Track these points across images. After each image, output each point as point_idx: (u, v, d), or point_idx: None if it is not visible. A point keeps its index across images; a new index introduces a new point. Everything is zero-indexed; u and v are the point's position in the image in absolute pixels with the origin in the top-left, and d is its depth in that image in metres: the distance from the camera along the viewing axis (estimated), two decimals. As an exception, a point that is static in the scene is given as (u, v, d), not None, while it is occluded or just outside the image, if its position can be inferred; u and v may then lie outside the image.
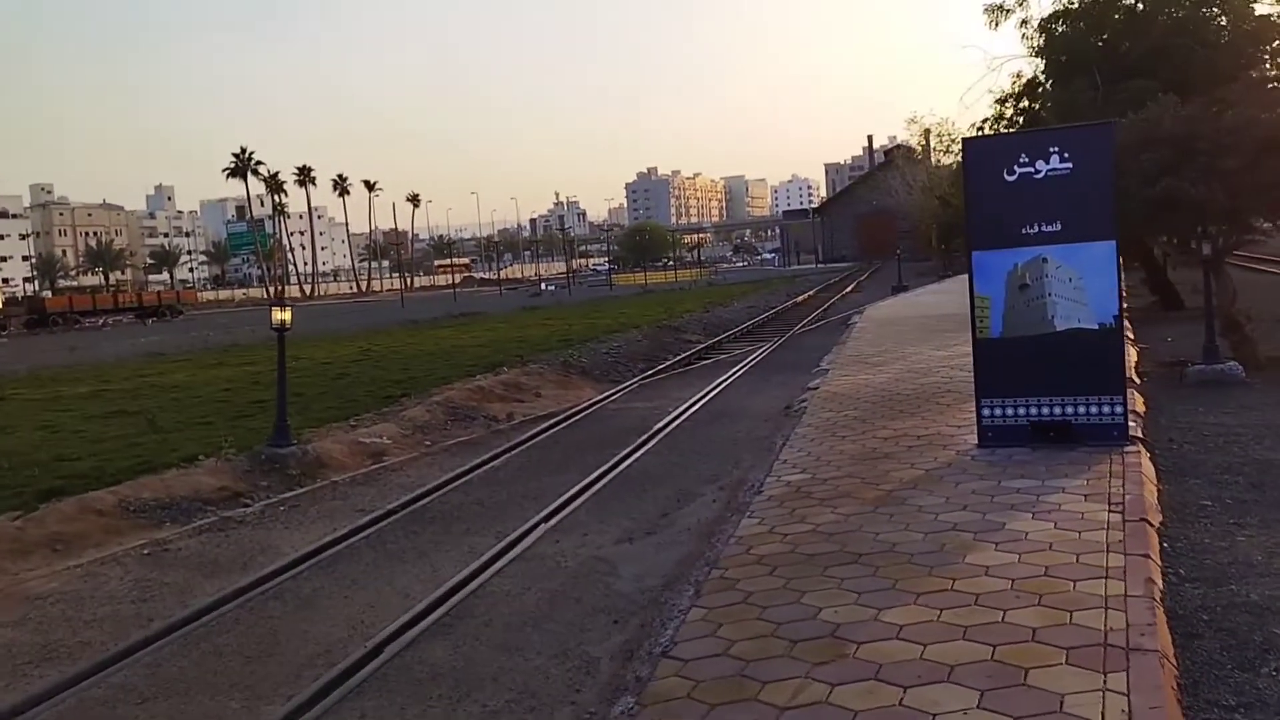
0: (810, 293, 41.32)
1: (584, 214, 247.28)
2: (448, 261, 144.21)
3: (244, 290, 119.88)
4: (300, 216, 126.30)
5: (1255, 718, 4.04)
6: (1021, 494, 7.13)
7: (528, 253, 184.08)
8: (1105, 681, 4.16)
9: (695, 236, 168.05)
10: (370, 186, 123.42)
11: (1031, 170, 8.53)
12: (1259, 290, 19.31)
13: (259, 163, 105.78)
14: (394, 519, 8.84)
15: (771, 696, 4.38)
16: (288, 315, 11.10)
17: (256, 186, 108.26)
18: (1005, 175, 8.62)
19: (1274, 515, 6.60)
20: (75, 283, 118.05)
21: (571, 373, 17.65)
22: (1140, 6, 20.18)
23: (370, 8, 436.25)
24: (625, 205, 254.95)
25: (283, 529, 8.79)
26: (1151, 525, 6.29)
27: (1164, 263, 20.89)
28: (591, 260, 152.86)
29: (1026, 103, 22.22)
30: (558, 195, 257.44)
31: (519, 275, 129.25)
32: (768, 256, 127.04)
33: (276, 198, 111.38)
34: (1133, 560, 5.57)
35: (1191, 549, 6.03)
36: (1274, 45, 18.59)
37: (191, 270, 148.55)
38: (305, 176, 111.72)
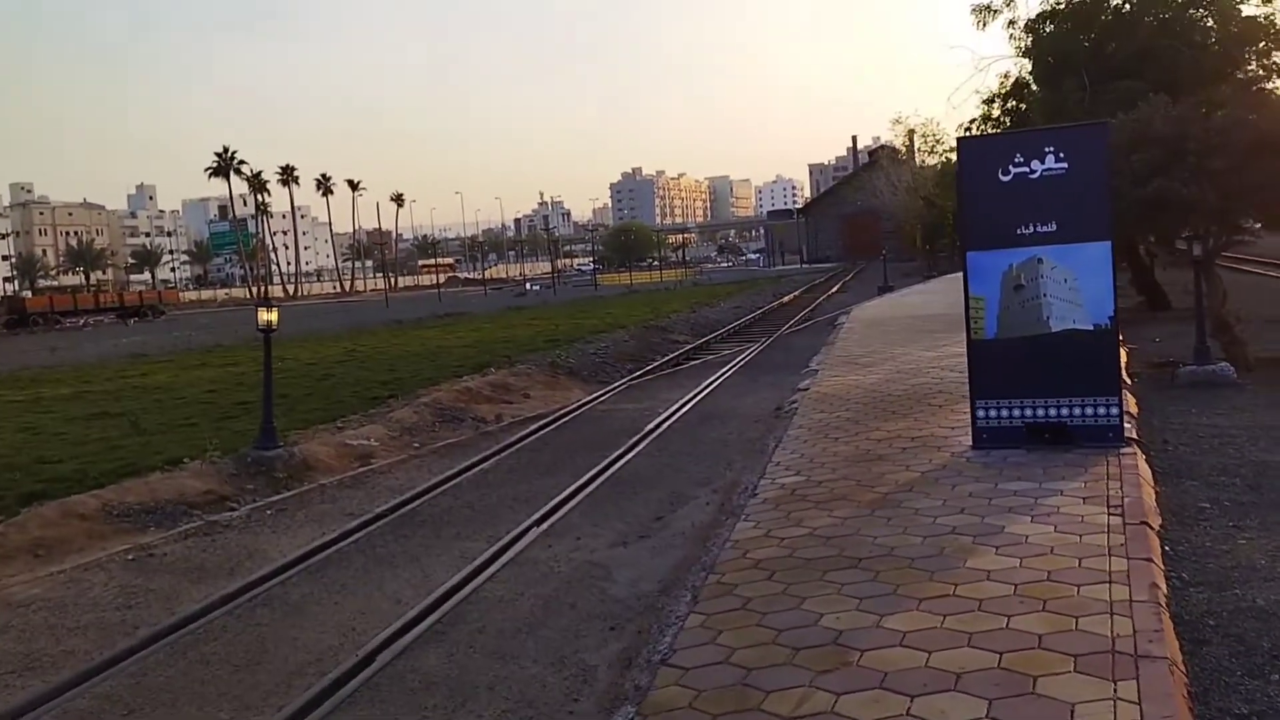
0: (796, 293, 41.30)
1: (569, 214, 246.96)
2: (432, 261, 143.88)
3: (226, 290, 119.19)
4: (283, 216, 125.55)
5: (1269, 727, 3.98)
6: (1019, 496, 7.07)
7: (512, 253, 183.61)
8: (1116, 690, 4.09)
9: (680, 236, 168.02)
10: (354, 186, 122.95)
11: (1027, 170, 8.48)
12: (1244, 291, 19.35)
13: (242, 162, 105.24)
14: (383, 523, 8.71)
15: (775, 707, 4.30)
16: (274, 316, 10.95)
17: (239, 186, 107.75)
18: (1000, 175, 8.56)
19: (1273, 518, 6.56)
20: (56, 283, 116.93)
21: (559, 373, 17.54)
22: (1127, 7, 20.23)
23: (354, 7, 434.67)
24: (610, 205, 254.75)
25: (270, 533, 8.65)
26: (1152, 528, 6.24)
27: (1150, 263, 20.93)
28: (576, 260, 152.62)
29: (1014, 103, 22.26)
30: (542, 195, 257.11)
31: (503, 275, 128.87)
32: (752, 257, 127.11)
33: (259, 197, 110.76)
34: (1135, 564, 5.50)
35: (1193, 552, 5.97)
36: (1260, 46, 18.63)
37: (173, 270, 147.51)
38: (288, 176, 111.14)
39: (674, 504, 8.68)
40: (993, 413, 8.72)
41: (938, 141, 58.05)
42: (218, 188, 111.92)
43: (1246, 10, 18.70)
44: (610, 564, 7.15)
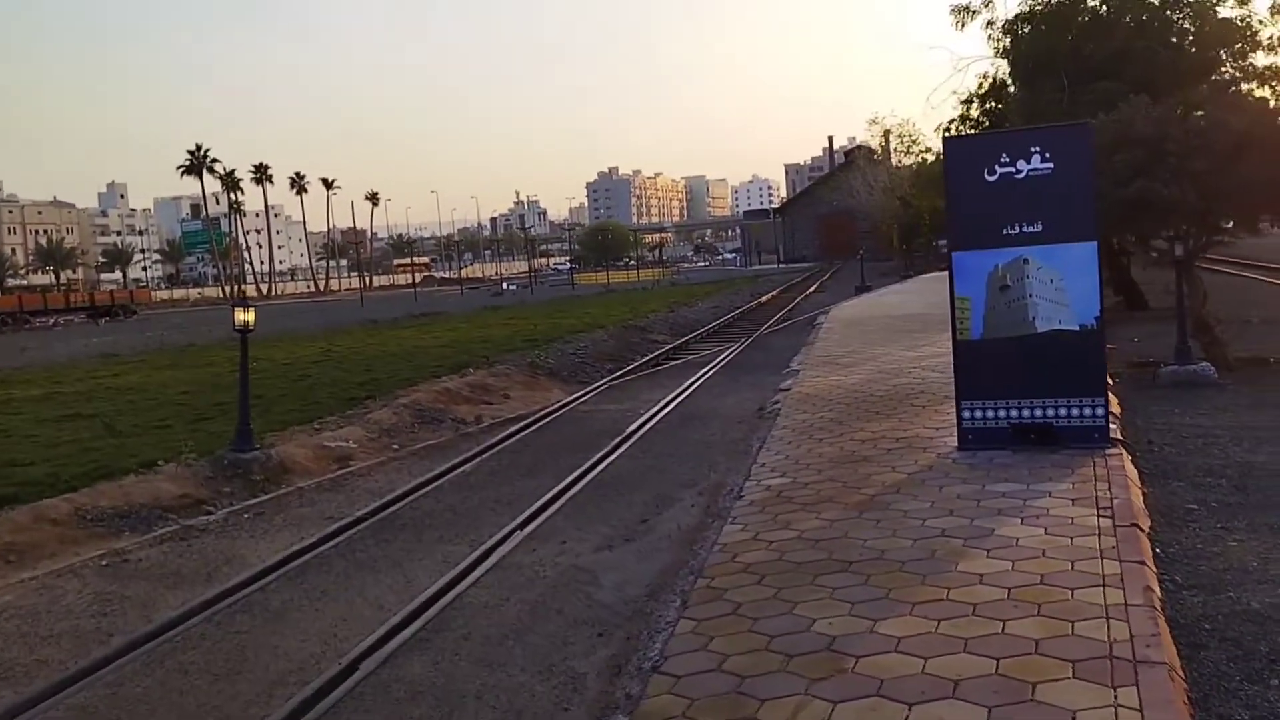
0: (774, 293, 41.33)
1: (545, 213, 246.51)
2: (407, 261, 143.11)
3: (199, 290, 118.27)
4: (257, 215, 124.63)
5: (1269, 732, 3.94)
6: (1007, 498, 7.03)
7: (488, 252, 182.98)
8: (1116, 696, 4.04)
9: (656, 236, 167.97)
10: (328, 185, 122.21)
11: (1012, 170, 8.45)
12: (1216, 291, 19.47)
13: (215, 160, 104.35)
14: (364, 526, 8.57)
15: (771, 715, 4.22)
16: (251, 316, 10.77)
17: (212, 184, 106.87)
18: (986, 175, 8.53)
19: (1261, 519, 6.55)
20: (25, 282, 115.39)
21: (539, 374, 17.42)
22: (1104, 9, 20.28)
23: (330, 6, 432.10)
24: (586, 204, 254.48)
25: (248, 538, 8.49)
26: (1142, 530, 6.21)
27: (1127, 263, 21.02)
28: (552, 259, 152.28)
29: (992, 104, 22.28)
30: (518, 194, 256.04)
31: (480, 274, 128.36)
32: (729, 256, 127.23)
33: (232, 195, 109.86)
34: (1128, 567, 5.46)
35: (1184, 554, 5.95)
36: (1235, 47, 18.73)
37: (145, 269, 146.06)
38: (262, 174, 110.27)
39: (659, 506, 8.58)
40: (978, 413, 8.69)
41: (913, 142, 58.26)
42: (190, 186, 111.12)
43: (1223, 12, 18.80)
44: (596, 568, 7.05)
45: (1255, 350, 13.23)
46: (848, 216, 77.95)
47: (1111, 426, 8.58)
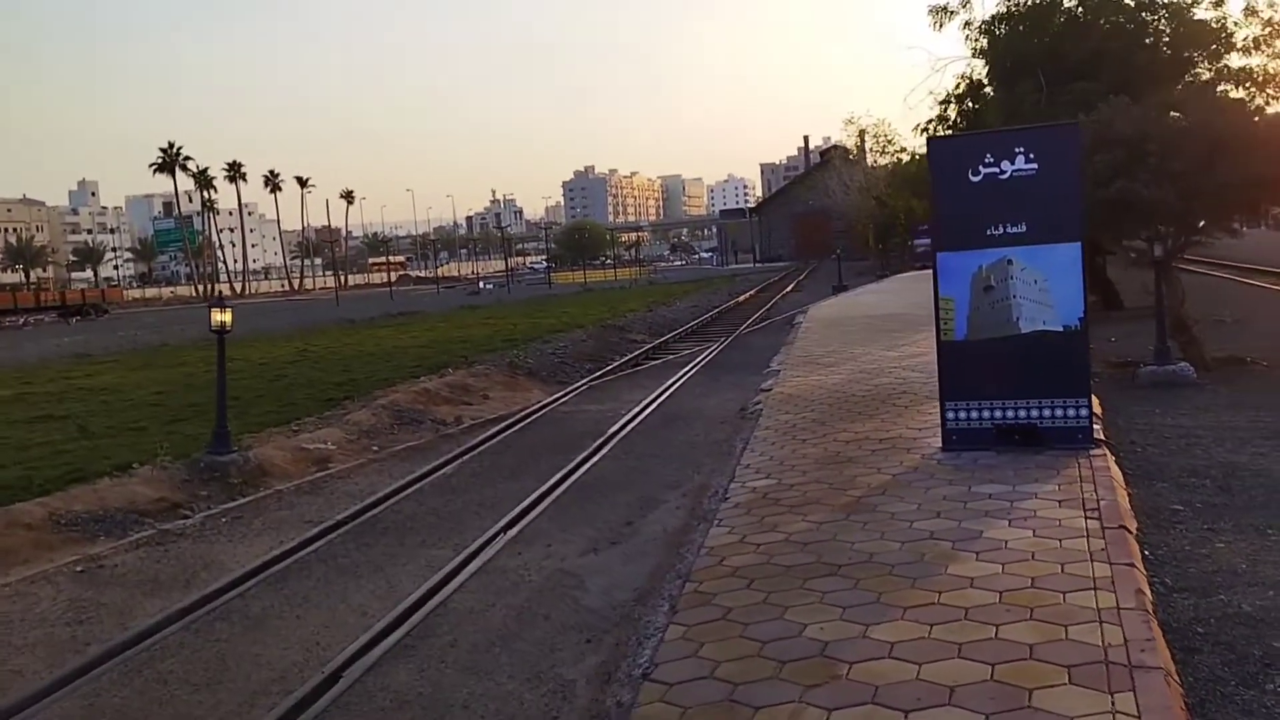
0: (751, 292, 41.37)
1: (521, 212, 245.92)
2: (382, 259, 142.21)
3: (172, 289, 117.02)
4: (230, 213, 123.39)
5: (1267, 738, 3.92)
6: (994, 500, 7.02)
7: (464, 251, 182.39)
8: (1113, 703, 4.01)
9: (633, 235, 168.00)
10: (303, 183, 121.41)
11: (997, 171, 8.45)
12: (1189, 291, 19.58)
13: (187, 158, 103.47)
14: (344, 530, 8.45)
15: (766, 724, 4.16)
16: (228, 317, 10.62)
17: (185, 183, 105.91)
18: (970, 175, 8.52)
19: (1247, 520, 6.56)
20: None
21: (519, 374, 17.31)
22: (1080, 10, 20.38)
23: (303, 4, 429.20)
24: (562, 203, 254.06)
25: (226, 542, 8.36)
26: (1130, 532, 6.20)
27: (1104, 263, 21.15)
28: (529, 258, 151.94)
29: (969, 104, 22.35)
30: (494, 193, 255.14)
31: (456, 273, 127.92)
32: (705, 256, 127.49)
33: (205, 194, 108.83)
34: (1119, 570, 5.45)
35: (1173, 556, 5.95)
36: (1211, 49, 18.87)
37: (117, 268, 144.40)
38: (236, 172, 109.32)
39: (643, 509, 8.52)
40: (962, 414, 8.68)
41: (889, 142, 58.47)
42: (162, 184, 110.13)
43: (1198, 14, 18.93)
44: (582, 572, 6.97)
45: (1230, 350, 13.32)
46: (823, 216, 78.29)
47: (1094, 427, 8.59)
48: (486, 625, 6.08)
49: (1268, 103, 17.83)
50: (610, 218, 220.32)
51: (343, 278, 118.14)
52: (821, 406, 11.38)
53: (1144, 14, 19.74)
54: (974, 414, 8.64)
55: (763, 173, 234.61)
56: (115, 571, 7.64)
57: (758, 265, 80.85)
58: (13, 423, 13.85)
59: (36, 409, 15.33)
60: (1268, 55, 18.43)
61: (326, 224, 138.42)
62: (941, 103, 23.02)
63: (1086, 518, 6.43)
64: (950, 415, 8.71)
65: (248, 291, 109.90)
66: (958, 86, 22.60)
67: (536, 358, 18.98)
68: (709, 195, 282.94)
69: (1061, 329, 8.36)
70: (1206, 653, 4.61)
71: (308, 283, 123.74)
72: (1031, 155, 8.36)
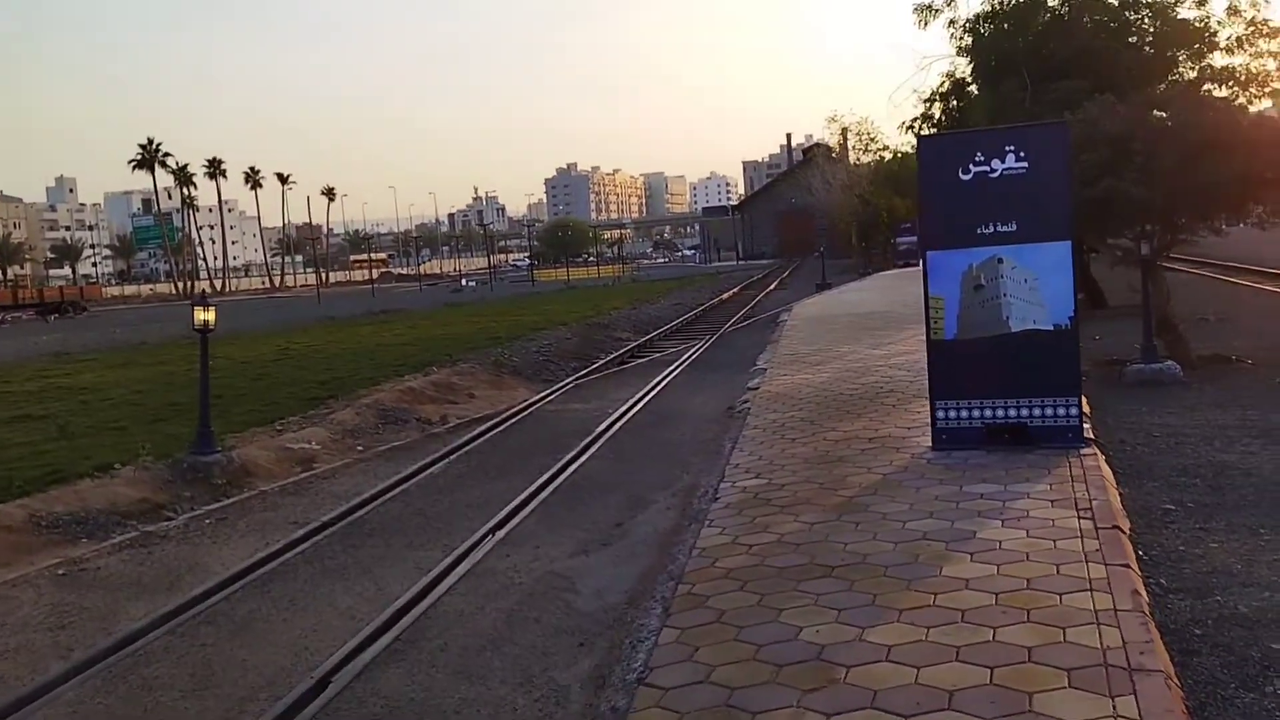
0: (735, 290, 41.36)
1: (503, 209, 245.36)
2: (364, 256, 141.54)
3: (151, 286, 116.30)
4: (210, 210, 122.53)
5: (1268, 741, 3.90)
6: (986, 500, 6.99)
7: (446, 248, 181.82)
8: (1114, 707, 3.97)
9: (616, 233, 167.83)
10: (284, 180, 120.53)
11: (987, 169, 8.43)
12: (1172, 289, 19.69)
13: (167, 154, 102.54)
14: (330, 532, 8.35)
15: (764, 729, 4.11)
16: (212, 315, 10.49)
17: (164, 179, 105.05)
18: (960, 174, 8.50)
19: (1238, 519, 6.56)
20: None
21: (504, 372, 17.22)
22: (1064, 9, 20.43)
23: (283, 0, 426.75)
24: (545, 201, 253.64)
25: (210, 544, 8.25)
26: (1123, 532, 6.19)
27: (1087, 261, 21.21)
28: (511, 255, 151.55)
29: (954, 102, 22.38)
30: (476, 190, 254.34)
31: (438, 271, 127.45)
32: (688, 253, 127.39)
33: (185, 190, 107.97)
34: (1114, 571, 5.42)
35: (1167, 557, 5.93)
36: (1194, 48, 18.95)
37: (95, 265, 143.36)
38: (215, 169, 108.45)
39: (633, 509, 8.46)
40: (952, 413, 8.66)
41: (872, 140, 58.70)
42: (141, 180, 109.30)
43: (1181, 13, 19.00)
44: (572, 574, 6.90)
45: (1215, 348, 13.35)
46: (806, 214, 78.39)
47: (1084, 426, 8.58)
48: (477, 628, 6.01)
49: (1250, 102, 17.94)
50: (593, 215, 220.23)
51: (324, 275, 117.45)
52: (809, 405, 11.35)
53: (1127, 13, 19.81)
54: (964, 413, 8.62)
55: (745, 170, 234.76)
56: (98, 574, 7.53)
57: (741, 263, 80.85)
58: (-9, 423, 13.66)
59: (15, 408, 15.14)
60: (1250, 55, 18.54)
61: (308, 221, 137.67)
62: (926, 101, 23.06)
63: (1079, 518, 6.41)
64: (940, 414, 8.68)
65: (228, 289, 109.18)
66: (942, 85, 22.64)
67: (521, 356, 18.89)
68: (692, 193, 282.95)
69: (1051, 328, 8.35)
70: (1205, 655, 4.59)
71: (289, 280, 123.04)
72: (1022, 154, 8.34)
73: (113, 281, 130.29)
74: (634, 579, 6.61)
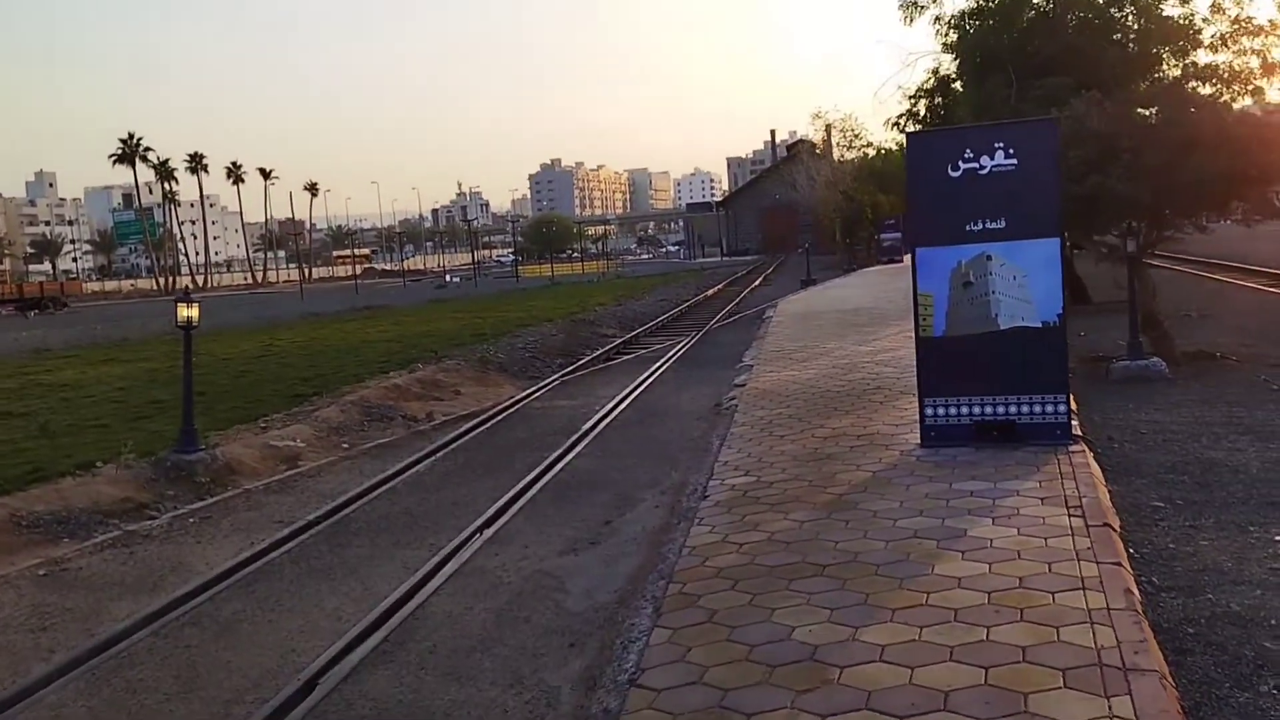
0: (719, 286, 41.30)
1: (487, 205, 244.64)
2: (347, 252, 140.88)
3: (132, 281, 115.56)
4: (192, 205, 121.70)
5: (1264, 741, 3.89)
6: (976, 497, 6.98)
7: (430, 244, 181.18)
8: (1110, 707, 3.96)
9: (600, 229, 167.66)
10: (266, 175, 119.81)
11: (976, 166, 8.41)
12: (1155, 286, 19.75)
13: (148, 149, 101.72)
14: (316, 531, 8.27)
15: (759, 731, 4.07)
16: (195, 312, 10.38)
17: (145, 174, 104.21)
18: (949, 171, 8.48)
19: (1228, 516, 6.56)
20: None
21: (490, 369, 17.14)
22: (1049, 6, 20.46)
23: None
24: (529, 196, 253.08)
25: (194, 543, 8.16)
26: (1114, 530, 6.18)
27: (1071, 257, 21.27)
28: (495, 251, 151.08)
29: (940, 99, 22.39)
30: (460, 185, 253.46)
31: (422, 266, 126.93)
32: (673, 249, 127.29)
33: (166, 185, 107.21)
34: (1106, 569, 5.41)
35: (1158, 555, 5.92)
36: (1178, 45, 19.00)
37: (75, 260, 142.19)
38: (197, 164, 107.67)
39: (621, 507, 8.41)
40: (941, 410, 8.65)
41: (856, 136, 58.83)
42: (122, 175, 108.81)
43: (1166, 10, 19.05)
44: (561, 573, 6.85)
45: (1199, 345, 13.40)
46: (790, 210, 78.45)
47: (1073, 423, 8.59)
48: (466, 629, 5.96)
49: (1234, 99, 17.98)
50: (577, 211, 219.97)
51: (307, 270, 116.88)
52: (797, 402, 11.32)
53: (1112, 10, 19.84)
54: (953, 410, 8.62)
55: (729, 167, 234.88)
56: (80, 575, 7.44)
57: (725, 259, 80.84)
58: (-30, 420, 13.50)
59: (-6, 406, 14.96)
60: (1234, 52, 18.61)
61: (290, 216, 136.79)
62: (911, 98, 23.08)
63: (1070, 515, 6.40)
64: (929, 411, 8.67)
65: (210, 284, 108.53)
66: (928, 81, 22.66)
67: (507, 352, 18.82)
68: (675, 189, 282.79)
69: (1040, 325, 8.35)
70: (1199, 654, 4.57)
71: (271, 276, 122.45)
72: (1011, 151, 8.33)
73: (93, 277, 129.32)
74: (624, 578, 6.57)
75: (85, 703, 5.31)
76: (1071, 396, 10.18)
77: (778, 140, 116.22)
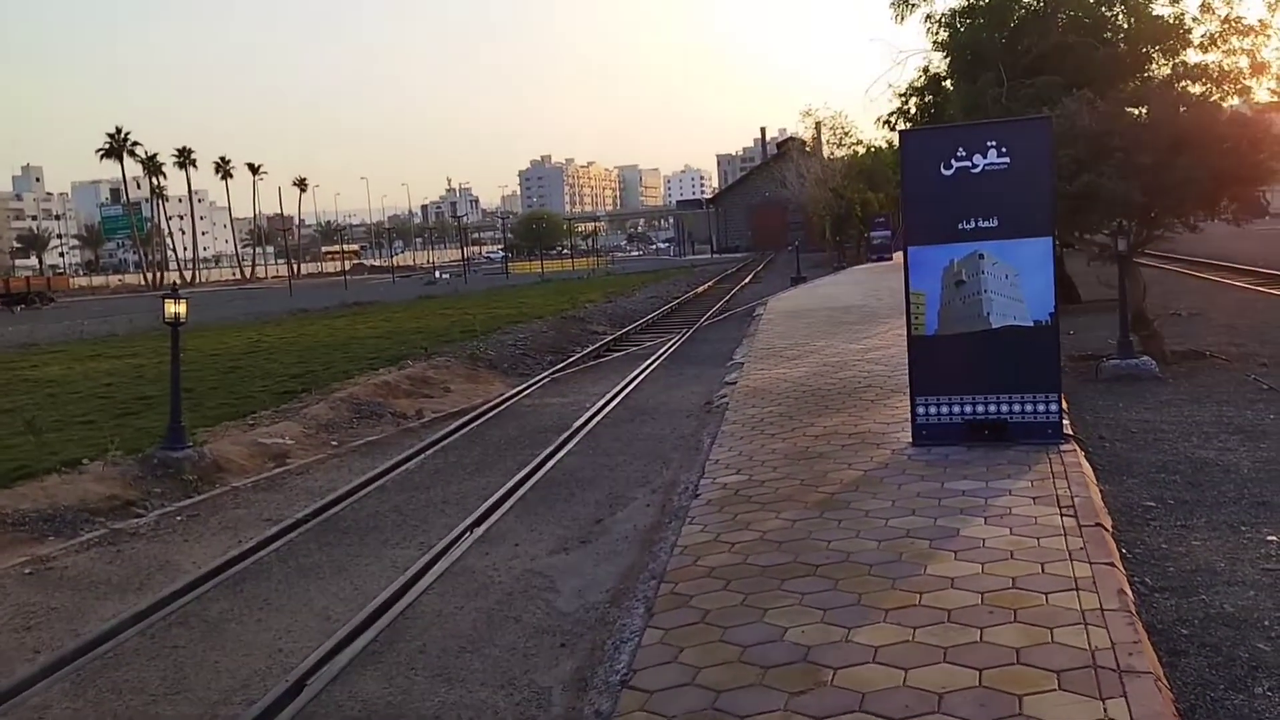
0: (709, 283, 41.29)
1: (477, 201, 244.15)
2: (336, 248, 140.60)
3: (119, 276, 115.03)
4: (180, 200, 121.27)
5: (1259, 744, 3.87)
6: (968, 496, 6.96)
7: (420, 240, 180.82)
8: (1105, 709, 3.93)
9: (590, 225, 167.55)
10: (255, 170, 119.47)
11: (969, 165, 8.39)
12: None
13: (136, 143, 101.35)
14: (304, 529, 8.21)
15: (752, 733, 4.04)
16: (183, 308, 10.30)
17: (133, 168, 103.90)
18: (942, 169, 8.46)
19: (1219, 516, 6.55)
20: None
21: (479, 366, 17.08)
22: (1040, 5, 20.50)
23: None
24: (519, 193, 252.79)
25: (181, 542, 8.09)
26: (1106, 530, 6.17)
27: (1060, 256, 21.30)
28: (484, 247, 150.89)
29: (930, 97, 22.41)
30: (450, 181, 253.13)
31: (411, 262, 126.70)
32: (663, 246, 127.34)
33: (154, 180, 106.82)
34: (1099, 569, 5.40)
35: (1150, 555, 5.91)
36: (1167, 45, 19.06)
37: (63, 255, 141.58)
38: (185, 158, 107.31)
39: (613, 505, 8.37)
40: (933, 409, 8.64)
41: (846, 134, 58.89)
42: (110, 170, 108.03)
43: (1156, 9, 19.11)
44: (552, 572, 6.81)
45: (1188, 344, 13.43)
46: (780, 207, 78.56)
47: (1064, 422, 8.59)
48: (456, 629, 5.91)
49: (1223, 99, 18.05)
50: (567, 207, 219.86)
51: (296, 266, 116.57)
52: (788, 400, 11.30)
53: (1102, 9, 19.90)
54: (944, 409, 8.60)
55: (719, 164, 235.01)
56: (65, 573, 7.36)
57: (715, 256, 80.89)
58: (-45, 416, 13.38)
59: (-20, 402, 14.84)
60: (1223, 52, 18.68)
61: (279, 212, 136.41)
62: (902, 96, 23.09)
63: (1062, 515, 6.39)
64: (920, 410, 8.66)
65: (198, 280, 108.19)
66: (918, 79, 22.67)
67: (497, 349, 18.75)
68: (666, 186, 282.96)
69: (1032, 324, 8.34)
70: (1193, 655, 4.56)
71: (260, 271, 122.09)
72: (1004, 149, 8.31)
73: (80, 272, 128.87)
74: (615, 577, 6.53)
75: (70, 704, 5.25)
76: (1062, 395, 10.21)
77: (768, 138, 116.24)
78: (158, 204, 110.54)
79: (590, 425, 11.89)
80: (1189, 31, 18.70)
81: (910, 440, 8.70)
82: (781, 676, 4.47)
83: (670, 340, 20.87)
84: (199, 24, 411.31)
